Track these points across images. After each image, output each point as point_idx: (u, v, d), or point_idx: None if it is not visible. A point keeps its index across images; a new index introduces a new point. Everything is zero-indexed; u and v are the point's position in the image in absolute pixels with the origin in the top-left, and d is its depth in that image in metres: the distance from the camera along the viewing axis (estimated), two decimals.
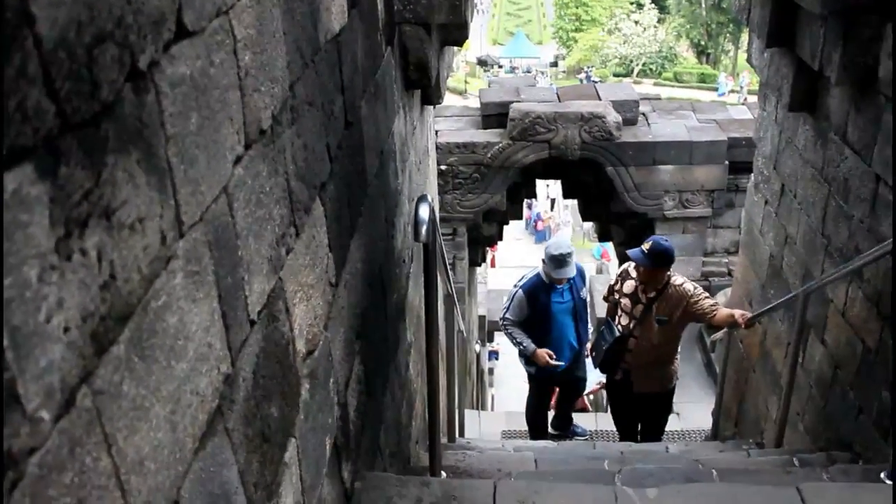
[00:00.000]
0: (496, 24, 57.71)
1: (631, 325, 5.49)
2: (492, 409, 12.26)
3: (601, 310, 7.61)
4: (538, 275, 5.93)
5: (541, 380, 6.54)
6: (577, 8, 50.89)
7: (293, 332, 1.82)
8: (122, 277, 0.99)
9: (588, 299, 6.07)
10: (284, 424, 1.73)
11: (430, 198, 2.71)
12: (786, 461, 3.87)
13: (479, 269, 12.50)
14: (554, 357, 5.99)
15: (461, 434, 6.04)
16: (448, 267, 5.05)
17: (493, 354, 15.50)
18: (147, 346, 1.06)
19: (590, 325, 6.33)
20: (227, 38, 1.38)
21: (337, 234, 2.26)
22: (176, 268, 1.16)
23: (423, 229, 2.57)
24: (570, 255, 5.71)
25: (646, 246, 5.16)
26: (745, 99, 31.30)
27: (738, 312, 5.18)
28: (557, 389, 7.08)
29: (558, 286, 5.88)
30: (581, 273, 6.04)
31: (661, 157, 9.23)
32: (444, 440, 4.33)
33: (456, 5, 3.66)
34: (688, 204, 9.37)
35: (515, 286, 6.10)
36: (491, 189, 9.23)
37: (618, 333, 5.57)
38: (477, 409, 10.02)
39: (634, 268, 5.40)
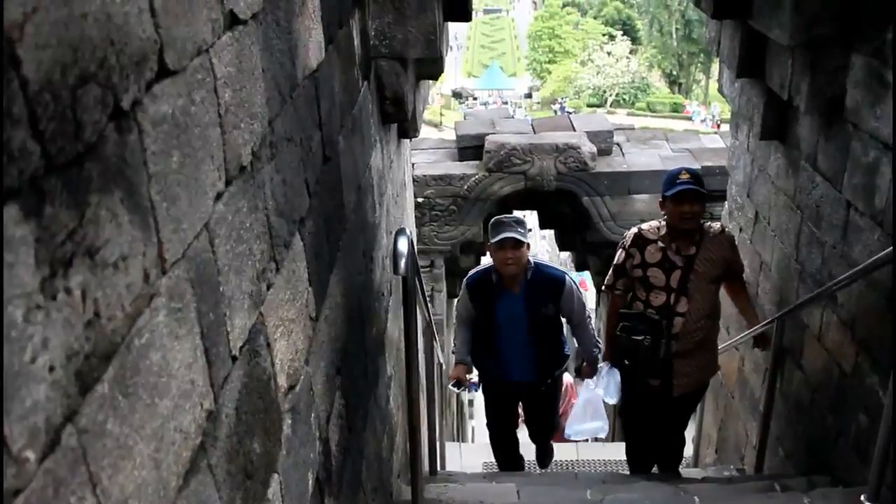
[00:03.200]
0: (470, 56, 58.22)
1: (672, 301, 4.22)
2: (472, 441, 12.20)
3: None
4: (488, 269, 4.63)
5: (492, 391, 5.19)
6: (550, 40, 51.51)
7: (275, 368, 1.82)
8: (105, 315, 0.99)
9: (583, 319, 4.78)
10: (267, 460, 1.72)
11: (408, 231, 2.72)
12: (767, 486, 3.89)
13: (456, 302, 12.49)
14: (469, 380, 5.09)
15: (443, 467, 6.00)
16: (427, 299, 5.05)
17: (473, 386, 15.42)
18: (131, 383, 1.06)
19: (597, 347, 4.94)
20: (207, 77, 1.39)
21: (316, 269, 2.26)
22: (159, 305, 1.16)
23: (403, 262, 2.58)
24: (517, 221, 4.40)
25: (684, 176, 4.08)
26: (718, 125, 31.75)
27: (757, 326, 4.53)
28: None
29: (508, 291, 4.53)
30: (558, 288, 4.57)
31: (636, 186, 9.32)
32: (425, 473, 4.31)
33: (431, 40, 3.71)
34: None
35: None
36: (468, 221, 9.26)
37: (655, 317, 4.26)
38: (458, 441, 9.97)
39: (650, 230, 4.29)
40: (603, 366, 4.70)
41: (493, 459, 5.85)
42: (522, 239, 4.35)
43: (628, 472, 5.19)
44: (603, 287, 4.57)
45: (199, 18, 1.36)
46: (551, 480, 5.11)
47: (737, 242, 4.93)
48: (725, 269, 4.30)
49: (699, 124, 36.87)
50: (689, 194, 4.03)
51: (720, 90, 5.69)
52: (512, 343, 4.66)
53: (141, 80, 1.11)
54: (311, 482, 2.11)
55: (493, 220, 4.52)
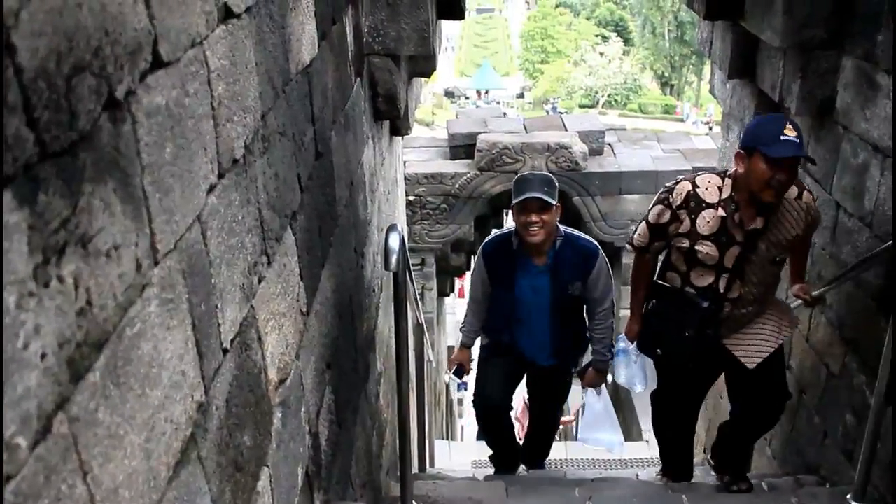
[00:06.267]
0: (463, 55, 58.22)
1: (721, 285, 3.26)
2: (461, 440, 12.22)
3: None
4: (509, 234, 3.91)
5: (496, 354, 4.23)
6: (542, 40, 51.54)
7: (265, 361, 1.82)
8: (97, 304, 1.00)
9: (607, 306, 3.97)
10: (257, 453, 1.72)
11: (399, 227, 2.73)
12: (755, 486, 3.90)
13: (447, 300, 12.52)
14: (466, 371, 4.37)
15: (432, 464, 6.01)
16: (417, 296, 5.03)
17: (463, 385, 15.45)
18: (122, 373, 1.06)
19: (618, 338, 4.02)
20: (201, 69, 1.40)
21: (308, 264, 2.27)
22: (151, 295, 1.17)
23: (394, 258, 2.58)
24: (545, 180, 3.68)
25: (790, 130, 2.91)
26: (711, 128, 31.90)
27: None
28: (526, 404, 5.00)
29: (531, 263, 3.83)
30: (590, 262, 3.83)
31: (627, 186, 9.35)
32: (414, 470, 4.32)
33: (424, 37, 3.71)
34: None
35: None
36: (459, 219, 9.28)
37: (703, 304, 3.31)
38: (447, 439, 9.98)
39: (709, 188, 3.19)
40: (626, 343, 3.81)
41: (482, 457, 5.45)
42: (550, 200, 3.60)
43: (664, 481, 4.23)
44: (630, 243, 3.56)
45: (193, 11, 1.36)
46: (540, 478, 5.11)
47: None
48: (795, 246, 3.32)
49: (691, 126, 36.96)
50: (793, 160, 2.98)
51: (712, 91, 5.71)
52: (531, 323, 3.98)
53: (135, 71, 1.12)
54: (300, 476, 2.11)
55: (517, 176, 3.84)
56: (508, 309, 3.98)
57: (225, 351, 1.53)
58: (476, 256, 4.12)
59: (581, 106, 42.25)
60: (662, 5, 47.24)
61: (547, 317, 3.95)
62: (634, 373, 3.83)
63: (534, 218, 3.62)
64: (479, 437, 4.87)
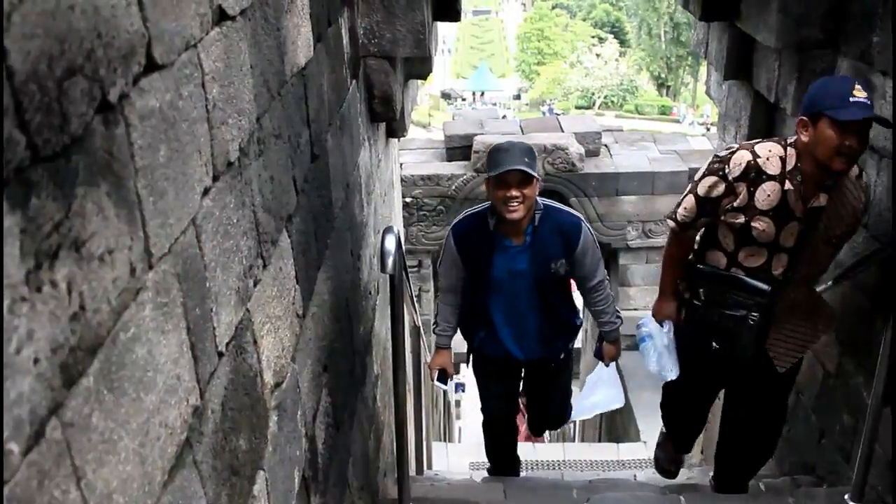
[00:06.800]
0: (459, 57, 58.26)
1: (775, 266, 3.01)
2: (459, 441, 12.22)
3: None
4: (483, 211, 3.48)
5: (486, 370, 3.98)
6: (539, 42, 51.62)
7: (261, 364, 1.81)
8: (91, 309, 0.99)
9: (600, 278, 3.63)
10: (253, 457, 1.72)
11: (396, 229, 2.72)
12: (752, 486, 3.90)
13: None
14: (449, 376, 3.87)
15: (429, 466, 6.01)
16: (414, 298, 5.01)
17: (460, 386, 15.46)
18: (116, 377, 1.06)
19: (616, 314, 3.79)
20: (195, 72, 1.39)
21: (304, 266, 2.26)
22: (145, 299, 1.16)
23: (390, 260, 2.59)
24: (524, 149, 3.30)
25: (859, 92, 2.67)
26: (708, 129, 31.99)
27: None
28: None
29: (508, 242, 3.44)
30: (573, 237, 3.45)
31: (624, 187, 9.36)
32: (412, 472, 4.31)
33: (420, 39, 3.71)
34: (651, 234, 9.49)
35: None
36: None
37: (766, 287, 3.00)
38: (444, 441, 9.97)
39: (771, 158, 2.89)
40: (651, 329, 3.44)
41: (480, 459, 5.19)
42: (532, 172, 3.23)
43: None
44: (671, 218, 3.17)
45: (187, 13, 1.36)
46: (537, 480, 5.11)
47: None
48: (852, 229, 3.05)
49: (687, 126, 37.00)
50: (864, 123, 2.70)
51: (708, 92, 5.71)
52: (512, 310, 3.62)
53: (128, 74, 1.11)
54: (297, 479, 2.11)
55: (492, 146, 3.44)
56: (484, 302, 3.61)
57: (220, 354, 1.52)
58: (445, 239, 3.58)
59: (578, 107, 42.28)
60: (658, 6, 47.31)
61: (528, 302, 3.57)
62: (665, 359, 3.40)
63: (514, 192, 3.22)
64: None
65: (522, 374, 4.03)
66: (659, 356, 3.39)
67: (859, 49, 3.34)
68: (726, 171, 2.92)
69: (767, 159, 2.88)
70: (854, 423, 3.45)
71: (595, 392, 4.02)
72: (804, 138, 2.80)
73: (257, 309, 1.79)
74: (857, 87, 2.69)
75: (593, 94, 44.69)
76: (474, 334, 3.79)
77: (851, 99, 2.65)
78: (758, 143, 2.98)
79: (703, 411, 3.80)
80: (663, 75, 50.13)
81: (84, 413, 0.97)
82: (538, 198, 3.40)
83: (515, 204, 3.24)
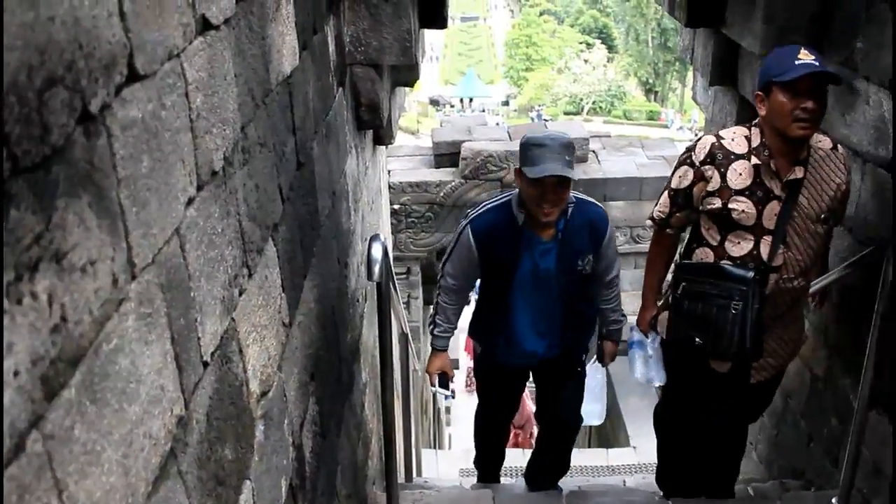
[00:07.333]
0: (447, 63, 58.33)
1: (763, 251, 2.89)
2: (449, 448, 12.19)
3: None
4: (506, 204, 3.23)
5: (495, 373, 3.69)
6: (527, 48, 51.73)
7: (247, 374, 1.81)
8: (73, 320, 0.99)
9: (616, 272, 3.45)
10: (239, 467, 1.71)
11: (382, 237, 2.73)
12: (741, 491, 3.91)
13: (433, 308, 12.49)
14: (450, 379, 3.66)
15: (419, 473, 6.00)
16: (402, 306, 5.01)
17: (452, 394, 15.40)
18: (99, 389, 1.05)
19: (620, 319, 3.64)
20: (178, 81, 1.39)
21: (290, 275, 2.26)
22: (128, 310, 1.16)
23: (377, 268, 2.59)
24: (565, 145, 2.99)
25: (805, 55, 2.66)
26: (696, 135, 32.14)
27: None
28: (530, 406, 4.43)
29: (536, 238, 3.19)
30: (601, 232, 3.27)
31: (612, 193, 9.38)
32: (401, 480, 4.31)
33: (407, 47, 3.71)
34: (639, 239, 9.50)
35: (465, 218, 3.34)
36: (444, 228, 9.28)
37: (747, 274, 2.87)
38: (434, 448, 9.96)
39: (735, 139, 2.89)
40: (640, 335, 3.41)
41: (470, 466, 4.86)
42: (573, 175, 2.98)
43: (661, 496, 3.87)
44: (650, 219, 3.21)
45: (169, 23, 1.35)
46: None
47: None
48: (839, 204, 2.95)
49: (675, 131, 37.17)
50: (816, 80, 2.66)
51: (694, 98, 5.74)
52: (536, 310, 3.36)
53: (110, 85, 1.11)
54: (284, 489, 2.10)
55: (527, 138, 3.06)
56: (507, 298, 3.32)
57: (205, 364, 1.52)
58: (460, 235, 3.28)
59: (566, 113, 42.40)
60: (646, 12, 47.56)
61: (553, 301, 3.32)
62: (651, 366, 3.37)
63: (552, 197, 2.98)
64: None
65: (524, 383, 3.92)
66: (644, 364, 3.37)
67: (843, 55, 3.36)
68: (693, 157, 2.93)
69: (732, 140, 2.88)
70: (842, 426, 3.46)
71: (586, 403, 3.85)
72: (762, 112, 2.81)
73: (243, 318, 1.78)
74: (804, 51, 2.68)
75: (581, 99, 44.82)
76: (492, 340, 3.52)
77: (797, 62, 2.64)
78: (723, 129, 3.00)
79: (712, 438, 3.46)
80: (651, 81, 50.38)
81: (66, 425, 0.96)
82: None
83: (550, 206, 3.03)
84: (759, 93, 2.80)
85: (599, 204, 3.40)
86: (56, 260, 0.95)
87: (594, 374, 3.82)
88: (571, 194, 3.14)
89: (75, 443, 0.99)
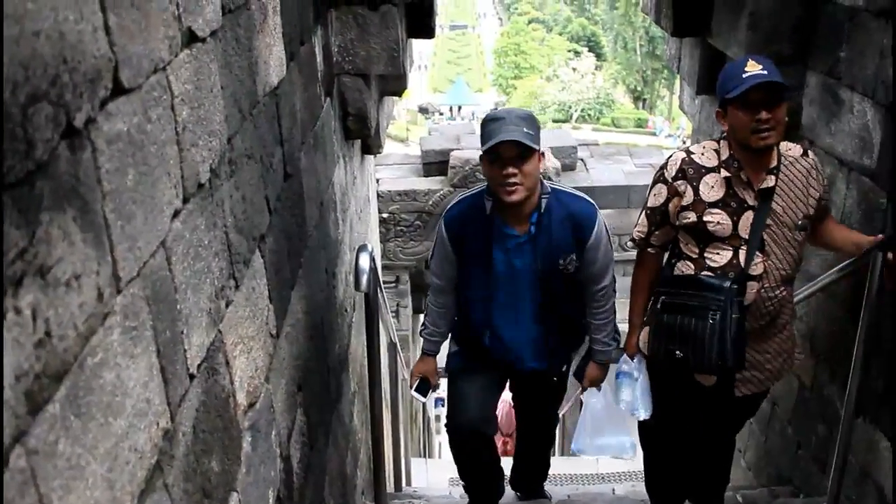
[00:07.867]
0: (436, 72, 58.43)
1: (742, 260, 2.85)
2: (439, 457, 12.17)
3: None
4: (478, 193, 3.04)
5: (473, 365, 3.29)
6: (515, 56, 51.90)
7: (234, 385, 1.81)
8: (57, 335, 0.99)
9: (607, 282, 3.17)
10: (226, 479, 1.71)
11: (370, 247, 2.73)
12: (730, 498, 3.92)
13: (422, 317, 12.49)
14: (431, 386, 3.38)
15: (408, 483, 5.98)
16: (391, 315, 5.00)
17: (440, 401, 15.42)
18: (83, 403, 1.05)
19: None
20: (164, 94, 1.39)
21: (277, 286, 2.26)
22: (113, 324, 1.16)
23: (364, 279, 2.59)
24: (522, 116, 2.82)
25: (752, 66, 2.68)
26: (685, 142, 32.27)
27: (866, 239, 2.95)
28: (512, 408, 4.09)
29: (509, 230, 2.97)
30: (586, 227, 3.01)
31: (600, 201, 9.27)
32: (390, 490, 4.30)
33: (394, 56, 3.72)
34: (626, 247, 9.51)
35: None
36: (433, 236, 9.24)
37: (724, 283, 2.82)
38: (424, 457, 9.94)
39: (705, 153, 2.90)
40: (628, 362, 3.21)
41: (458, 475, 4.82)
42: (532, 144, 2.74)
43: None
44: (630, 241, 3.24)
45: (155, 36, 1.36)
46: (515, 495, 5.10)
47: None
48: (813, 209, 2.91)
49: (664, 139, 37.32)
50: (766, 90, 2.67)
51: (681, 107, 5.77)
52: (513, 312, 3.11)
53: (95, 99, 1.11)
54: (271, 500, 2.10)
55: (485, 115, 2.92)
56: (485, 296, 3.08)
57: (191, 377, 1.52)
58: (437, 229, 3.13)
59: (555, 121, 42.50)
60: (634, 21, 47.78)
61: (531, 301, 3.06)
62: (637, 396, 3.17)
63: (511, 170, 2.75)
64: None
65: (505, 387, 3.53)
66: (631, 393, 3.18)
67: (827, 64, 3.39)
68: (665, 174, 2.93)
69: (702, 154, 2.89)
70: (829, 433, 3.47)
71: (603, 433, 3.44)
72: (724, 128, 2.84)
73: (229, 330, 1.78)
74: (751, 62, 2.70)
75: (570, 107, 44.98)
76: (477, 332, 3.20)
77: (744, 75, 2.66)
78: (677, 154, 2.99)
79: (697, 450, 3.42)
80: (639, 88, 50.60)
81: (50, 440, 0.96)
82: (547, 182, 3.02)
83: (513, 183, 2.78)
84: (719, 110, 2.84)
85: (590, 199, 3.12)
86: (40, 274, 0.95)
87: (595, 402, 3.42)
88: (551, 185, 3.01)
89: (60, 457, 0.98)
